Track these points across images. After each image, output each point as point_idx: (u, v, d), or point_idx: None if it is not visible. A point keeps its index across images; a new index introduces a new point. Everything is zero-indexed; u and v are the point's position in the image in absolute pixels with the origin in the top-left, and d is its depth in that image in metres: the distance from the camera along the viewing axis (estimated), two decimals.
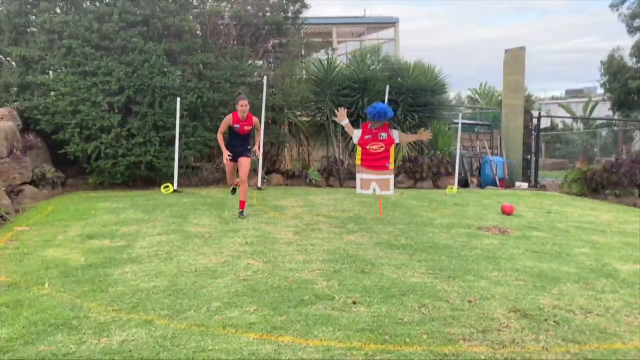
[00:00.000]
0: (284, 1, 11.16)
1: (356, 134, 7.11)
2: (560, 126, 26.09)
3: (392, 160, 7.07)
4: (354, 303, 3.87)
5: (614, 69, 19.17)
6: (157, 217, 6.86)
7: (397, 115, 11.54)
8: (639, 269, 5.09)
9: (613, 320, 3.72)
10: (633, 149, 18.85)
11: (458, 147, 12.00)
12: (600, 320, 3.71)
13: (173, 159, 9.50)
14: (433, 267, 4.88)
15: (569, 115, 27.16)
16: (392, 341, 3.24)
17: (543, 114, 17.01)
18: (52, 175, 8.90)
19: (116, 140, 9.31)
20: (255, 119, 6.98)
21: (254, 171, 10.66)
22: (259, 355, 3.03)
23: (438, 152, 12.28)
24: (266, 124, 10.35)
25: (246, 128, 6.88)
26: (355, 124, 8.51)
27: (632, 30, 19.00)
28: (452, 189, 11.08)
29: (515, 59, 13.90)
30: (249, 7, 10.79)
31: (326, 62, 12.36)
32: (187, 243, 5.56)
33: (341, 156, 12.10)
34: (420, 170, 12.03)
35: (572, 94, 42.14)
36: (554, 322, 3.64)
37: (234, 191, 7.50)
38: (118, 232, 6.03)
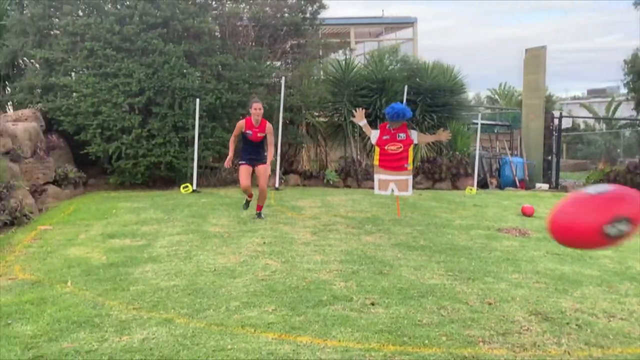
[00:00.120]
0: (302, 2, 11.18)
1: (374, 135, 7.10)
2: (582, 126, 25.65)
3: (410, 160, 7.04)
4: (372, 304, 3.86)
5: (637, 68, 18.74)
6: (177, 217, 6.93)
7: (415, 116, 11.47)
8: None
9: (637, 323, 3.64)
10: None
11: (477, 148, 11.89)
12: (623, 324, 3.64)
13: (192, 159, 9.59)
14: (452, 269, 4.84)
15: (590, 115, 26.70)
16: (410, 342, 3.22)
17: (564, 114, 16.74)
18: (74, 175, 9.05)
19: (136, 140, 9.44)
20: (268, 126, 6.62)
21: (271, 171, 10.71)
22: (277, 354, 3.04)
23: (457, 153, 12.17)
24: (284, 124, 10.38)
25: (259, 135, 6.59)
26: (372, 124, 8.49)
27: None
28: (470, 189, 10.98)
29: (535, 58, 13.71)
30: (267, 8, 10.84)
31: (344, 62, 12.35)
32: (206, 242, 5.61)
33: (358, 156, 12.08)
34: (439, 171, 11.94)
35: (594, 93, 41.38)
36: (576, 325, 3.58)
37: (246, 204, 7.05)
38: (138, 231, 6.10)
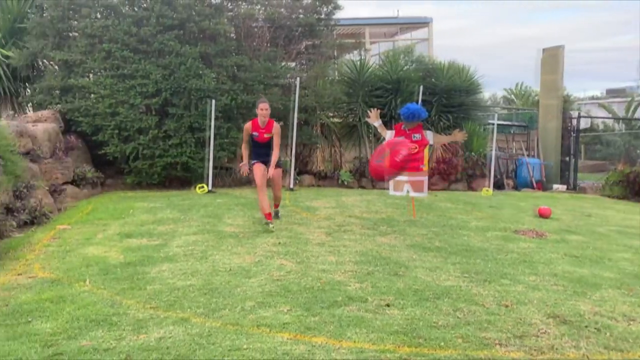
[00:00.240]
0: (317, 3, 11.18)
1: (389, 135, 7.07)
2: (600, 127, 25.25)
3: (425, 161, 7.00)
4: (387, 305, 3.85)
5: None
6: (192, 217, 6.99)
7: (430, 116, 11.41)
8: None
9: None
10: None
11: (493, 148, 11.78)
12: None
13: (207, 160, 9.66)
14: (467, 270, 4.80)
15: (609, 115, 26.27)
16: (426, 344, 3.21)
17: (582, 114, 16.50)
18: (92, 175, 9.17)
19: (153, 141, 9.53)
20: (275, 127, 6.37)
21: (285, 172, 10.74)
22: (292, 354, 3.05)
23: (472, 154, 12.08)
24: (298, 125, 10.40)
25: (266, 136, 6.37)
26: (387, 125, 8.46)
27: None
28: (486, 191, 10.89)
29: (552, 58, 13.55)
30: (282, 9, 10.87)
31: (358, 62, 12.33)
32: (221, 242, 5.65)
33: None
34: (454, 172, 11.86)
35: (613, 93, 40.69)
36: (595, 328, 3.54)
37: (269, 219, 6.34)
38: (155, 231, 6.17)
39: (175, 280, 4.38)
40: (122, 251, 5.24)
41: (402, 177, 7.03)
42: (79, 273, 4.54)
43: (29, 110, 10.69)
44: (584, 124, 16.03)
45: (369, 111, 7.38)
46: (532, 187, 12.59)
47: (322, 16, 11.32)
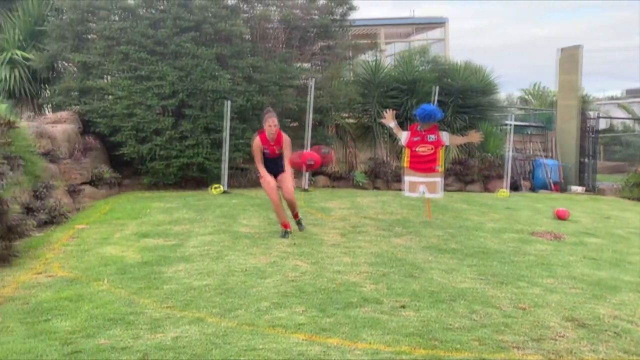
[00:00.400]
0: (331, 3, 11.18)
1: (404, 136, 7.05)
2: (620, 127, 24.84)
3: (440, 162, 6.96)
4: (402, 307, 3.84)
5: None
6: (208, 217, 7.03)
7: (446, 117, 11.34)
8: None
9: None
10: None
11: (509, 149, 11.66)
12: None
13: (222, 160, 9.72)
14: (483, 272, 4.76)
15: (629, 115, 25.83)
16: (441, 347, 3.19)
17: (601, 114, 16.25)
18: (109, 175, 9.28)
19: (169, 142, 9.62)
20: (285, 140, 5.99)
21: (299, 172, 10.75)
22: (307, 355, 3.05)
23: (488, 154, 11.97)
24: (313, 125, 10.42)
25: (277, 151, 6.03)
26: (402, 126, 8.43)
27: None
28: (502, 192, 10.79)
29: (570, 58, 13.37)
30: (297, 10, 10.89)
31: (373, 63, 12.30)
32: (237, 243, 5.68)
33: (387, 158, 12.01)
34: (470, 173, 11.77)
35: (633, 93, 39.97)
36: (614, 332, 3.48)
37: (285, 233, 6.00)
38: (171, 231, 6.22)
39: (191, 280, 4.41)
40: (139, 251, 5.30)
41: (417, 178, 7.00)
42: (97, 272, 4.60)
43: (48, 112, 10.87)
44: (603, 124, 15.79)
45: (384, 112, 7.36)
46: (549, 189, 12.44)
47: (337, 17, 11.32)
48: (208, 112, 9.74)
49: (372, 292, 4.15)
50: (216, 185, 9.55)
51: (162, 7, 9.91)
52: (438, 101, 11.15)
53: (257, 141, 5.97)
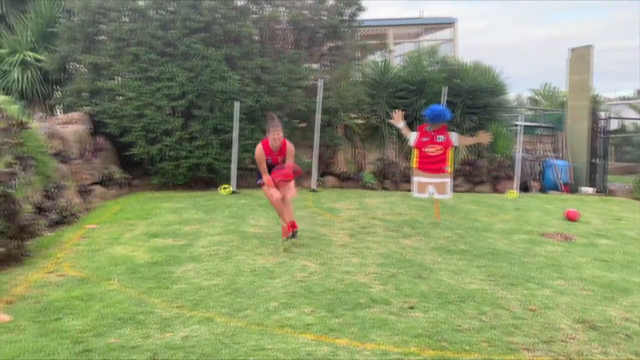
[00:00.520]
0: (340, 4, 11.19)
1: (412, 136, 7.04)
2: (631, 128, 24.60)
3: (449, 163, 6.94)
4: (411, 308, 3.83)
5: None
6: (217, 217, 7.06)
7: (455, 117, 11.30)
8: None
9: None
10: None
11: (519, 150, 11.59)
12: None
13: (231, 161, 9.75)
14: (493, 274, 4.74)
15: None
16: (450, 348, 3.18)
17: (611, 115, 16.11)
18: (119, 175, 9.35)
19: (178, 142, 9.67)
20: (289, 149, 5.71)
21: (307, 173, 10.76)
22: (316, 355, 3.06)
23: (497, 155, 11.91)
24: (321, 126, 10.44)
25: (280, 160, 5.78)
26: (411, 127, 8.41)
27: None
28: (512, 193, 10.73)
29: (580, 58, 13.28)
30: (306, 11, 10.90)
31: (382, 63, 12.29)
32: (245, 243, 5.70)
33: (396, 158, 11.99)
34: (479, 174, 11.73)
35: None
36: (625, 335, 3.45)
37: (292, 235, 5.77)
38: (180, 231, 6.26)
39: (200, 280, 4.44)
40: (149, 251, 5.33)
41: (426, 179, 6.98)
42: (107, 272, 4.64)
43: (59, 113, 10.97)
44: (614, 125, 15.64)
45: (392, 112, 7.35)
46: (559, 190, 12.35)
47: (346, 18, 11.32)
48: (217, 112, 9.78)
49: (380, 292, 4.15)
50: (225, 186, 9.58)
51: (171, 8, 9.97)
52: (447, 102, 11.11)
53: (260, 150, 5.70)
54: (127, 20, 10.08)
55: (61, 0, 11.08)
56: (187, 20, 9.66)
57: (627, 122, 23.25)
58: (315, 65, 11.67)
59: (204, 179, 10.15)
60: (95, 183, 8.76)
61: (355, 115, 12.20)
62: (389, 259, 5.16)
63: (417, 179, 7.09)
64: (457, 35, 18.00)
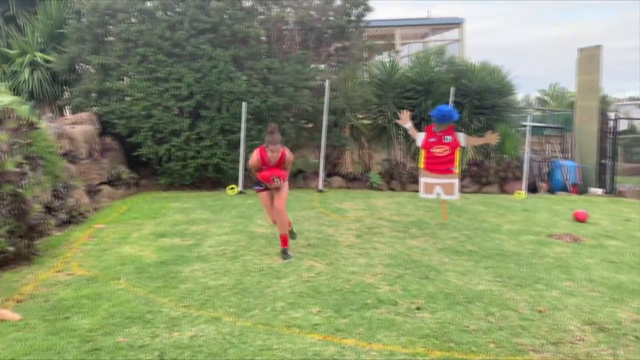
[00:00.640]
0: (347, 5, 11.18)
1: (419, 137, 7.03)
2: None
3: (457, 163, 6.92)
4: (418, 308, 3.83)
5: None
6: (224, 217, 7.08)
7: (462, 118, 11.26)
8: None
9: None
10: None
11: (526, 151, 11.53)
12: None
13: (238, 161, 9.78)
14: (500, 275, 4.72)
15: None
16: (457, 349, 3.17)
17: (621, 115, 15.98)
18: (127, 175, 9.40)
19: (186, 143, 9.72)
20: (287, 158, 5.33)
21: (314, 173, 10.77)
22: (322, 356, 3.06)
23: (505, 156, 11.85)
24: (328, 126, 10.44)
25: (276, 167, 5.30)
26: (418, 127, 8.40)
27: None
28: (520, 193, 10.68)
29: (589, 58, 13.18)
30: (313, 12, 10.91)
31: (389, 64, 12.27)
32: (252, 243, 5.71)
33: (403, 159, 11.97)
34: (486, 175, 11.66)
35: None
36: (634, 337, 3.42)
37: (291, 234, 5.60)
38: (187, 231, 6.28)
39: (208, 279, 4.45)
40: (156, 250, 5.36)
41: (433, 180, 6.97)
42: (115, 271, 4.66)
43: (68, 113, 11.05)
44: (623, 125, 15.53)
45: (399, 113, 7.33)
46: (568, 190, 12.27)
47: (353, 18, 11.31)
48: (224, 113, 9.82)
49: (387, 293, 4.15)
50: (232, 186, 9.61)
51: (179, 9, 10.01)
52: (454, 102, 11.08)
53: (256, 157, 5.29)
54: (135, 21, 10.13)
55: (70, 2, 11.16)
56: (195, 21, 9.70)
57: (636, 123, 23.06)
58: (322, 66, 11.67)
59: (211, 179, 10.19)
60: (104, 183, 8.81)
61: (362, 116, 12.19)
62: (396, 259, 5.16)
63: (424, 179, 7.08)
64: (465, 36, 17.94)
